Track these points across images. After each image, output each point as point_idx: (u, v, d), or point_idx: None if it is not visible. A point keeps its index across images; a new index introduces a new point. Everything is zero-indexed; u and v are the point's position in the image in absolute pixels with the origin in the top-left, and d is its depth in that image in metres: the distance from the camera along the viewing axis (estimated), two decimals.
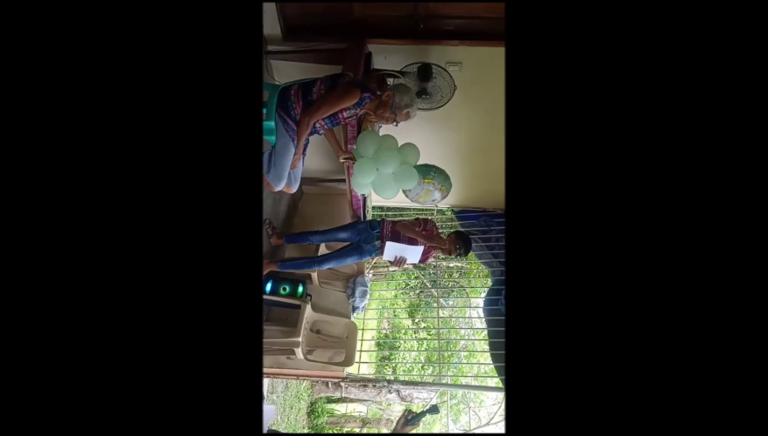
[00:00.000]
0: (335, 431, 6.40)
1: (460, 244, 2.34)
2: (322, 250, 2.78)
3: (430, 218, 2.50)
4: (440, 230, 2.53)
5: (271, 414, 1.29)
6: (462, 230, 2.62)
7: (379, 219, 2.52)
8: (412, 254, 2.31)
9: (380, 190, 2.02)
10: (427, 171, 2.19)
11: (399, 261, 2.34)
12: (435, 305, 5.40)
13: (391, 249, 2.30)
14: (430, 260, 2.49)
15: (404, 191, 2.21)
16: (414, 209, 4.01)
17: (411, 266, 2.60)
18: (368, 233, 2.41)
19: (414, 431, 1.40)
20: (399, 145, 2.04)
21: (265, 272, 2.50)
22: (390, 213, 3.95)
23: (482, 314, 3.83)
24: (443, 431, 6.29)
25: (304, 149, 1.82)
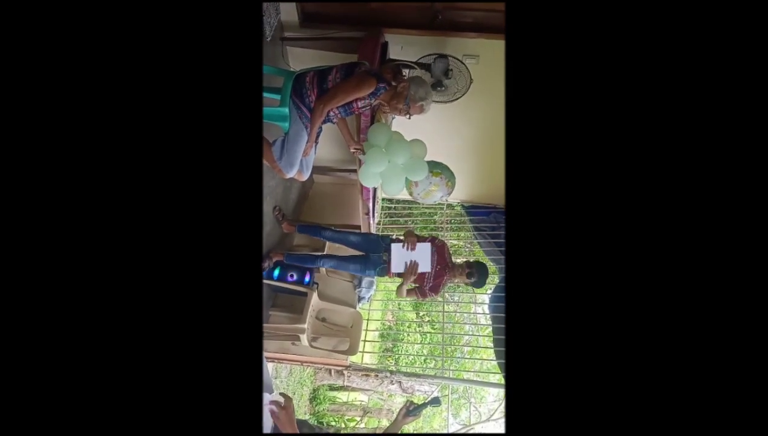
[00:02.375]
0: (338, 419, 6.48)
1: (474, 271, 2.17)
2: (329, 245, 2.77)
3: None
4: (449, 223, 2.50)
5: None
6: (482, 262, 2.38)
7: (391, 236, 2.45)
8: (421, 252, 2.15)
9: (388, 183, 2.01)
10: (435, 166, 2.18)
11: (411, 268, 2.14)
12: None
13: (398, 252, 2.16)
14: (442, 290, 2.29)
15: (409, 190, 2.19)
16: (423, 205, 4.00)
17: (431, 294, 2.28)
18: (378, 245, 2.32)
19: (415, 424, 1.40)
20: (407, 140, 2.03)
21: (273, 261, 2.53)
22: (399, 205, 3.94)
23: (487, 311, 3.83)
24: (443, 424, 6.34)
25: (317, 137, 1.82)
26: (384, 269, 2.25)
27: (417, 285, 2.23)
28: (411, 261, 2.14)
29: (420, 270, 2.15)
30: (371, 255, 2.31)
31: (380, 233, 2.72)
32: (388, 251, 2.23)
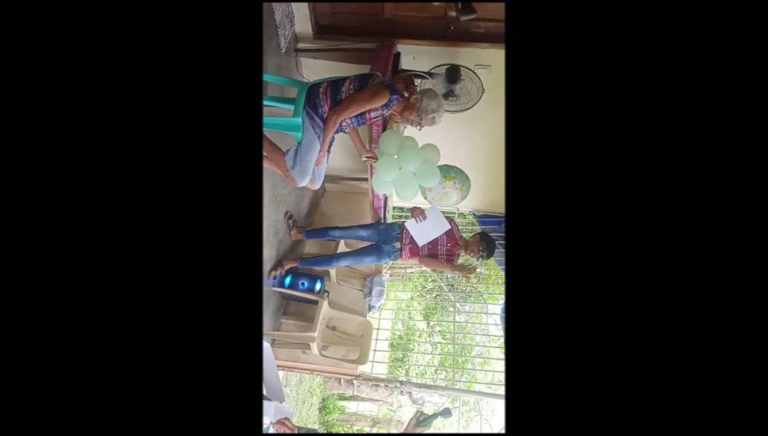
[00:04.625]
0: (347, 429, 6.43)
1: (484, 245, 2.28)
2: (341, 248, 2.80)
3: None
4: (461, 231, 2.49)
5: (286, 412, 1.31)
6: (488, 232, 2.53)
7: (400, 222, 2.50)
8: (433, 217, 2.22)
9: (401, 190, 2.02)
10: (448, 170, 2.18)
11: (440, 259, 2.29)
12: (451, 309, 5.36)
13: (414, 228, 2.24)
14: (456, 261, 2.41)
15: (423, 193, 2.20)
16: None
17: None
18: (388, 234, 2.39)
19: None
20: (420, 145, 2.04)
21: (286, 269, 2.54)
22: (410, 214, 3.94)
23: (499, 322, 3.78)
24: None
25: (329, 147, 1.84)
26: (399, 254, 2.36)
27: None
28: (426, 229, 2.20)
29: (441, 231, 2.25)
30: (383, 246, 2.38)
31: (389, 222, 2.71)
32: (400, 238, 2.34)
